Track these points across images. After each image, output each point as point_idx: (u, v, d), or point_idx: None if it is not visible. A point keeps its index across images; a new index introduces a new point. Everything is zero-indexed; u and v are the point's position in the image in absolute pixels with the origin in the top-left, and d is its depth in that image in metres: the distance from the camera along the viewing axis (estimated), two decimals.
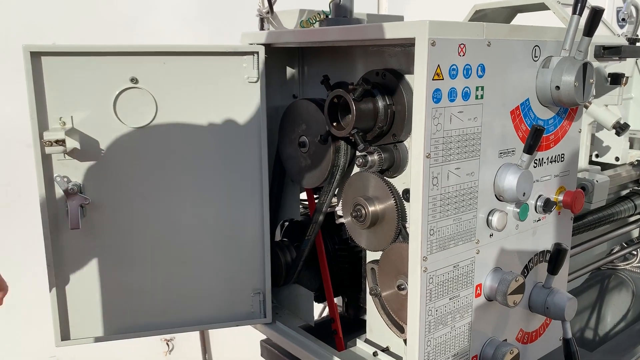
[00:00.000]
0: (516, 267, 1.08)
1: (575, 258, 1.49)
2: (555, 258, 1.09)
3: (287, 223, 1.42)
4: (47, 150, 1.04)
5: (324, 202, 1.20)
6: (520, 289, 1.01)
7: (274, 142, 1.29)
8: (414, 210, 0.90)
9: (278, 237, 1.42)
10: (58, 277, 1.13)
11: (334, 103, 1.06)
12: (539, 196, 1.09)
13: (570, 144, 1.13)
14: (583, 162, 1.59)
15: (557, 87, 1.00)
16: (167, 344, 2.75)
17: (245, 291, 1.30)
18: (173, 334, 2.39)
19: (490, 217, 0.99)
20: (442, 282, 0.94)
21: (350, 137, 1.03)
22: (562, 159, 1.12)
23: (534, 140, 0.96)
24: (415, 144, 0.87)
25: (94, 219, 1.14)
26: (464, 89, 0.90)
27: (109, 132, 1.12)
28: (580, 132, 1.15)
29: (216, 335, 2.78)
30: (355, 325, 1.35)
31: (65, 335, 1.17)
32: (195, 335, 2.81)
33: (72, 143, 1.07)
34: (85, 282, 1.16)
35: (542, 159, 1.08)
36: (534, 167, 1.06)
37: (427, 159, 0.87)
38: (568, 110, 1.10)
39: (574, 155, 1.15)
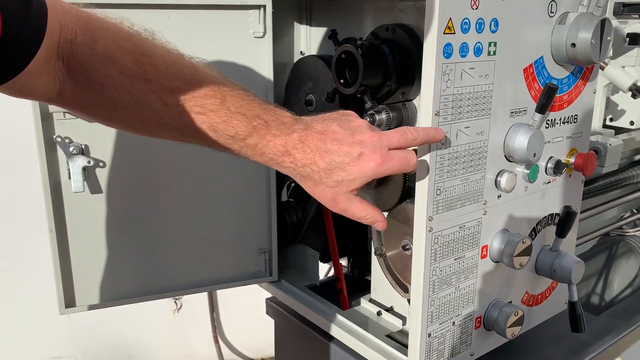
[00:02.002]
0: (524, 229, 1.07)
1: (585, 223, 1.47)
2: (564, 221, 1.07)
3: (293, 184, 1.41)
4: (51, 107, 1.03)
5: None
6: (527, 251, 1.00)
7: (281, 100, 1.27)
8: (421, 170, 0.88)
9: (285, 198, 1.41)
10: (61, 244, 1.13)
11: (341, 59, 1.03)
12: (550, 158, 1.06)
13: (584, 105, 1.10)
14: (597, 124, 1.56)
15: (573, 45, 0.96)
16: (175, 302, 2.80)
17: (251, 250, 1.31)
18: None
19: (499, 178, 0.97)
20: (447, 243, 0.93)
21: (358, 95, 1.00)
22: (575, 120, 1.10)
23: (546, 100, 0.94)
24: (424, 101, 0.85)
25: (97, 181, 1.13)
26: (476, 44, 0.87)
27: None
28: (595, 93, 1.12)
29: (224, 293, 2.82)
30: (360, 285, 1.36)
31: (69, 302, 1.17)
32: (203, 294, 2.85)
33: None
34: (90, 246, 1.16)
35: (555, 119, 1.05)
36: (546, 127, 1.03)
37: (436, 116, 0.85)
38: (583, 69, 1.07)
39: (587, 116, 1.12)
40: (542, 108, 0.94)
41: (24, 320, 2.38)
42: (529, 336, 1.18)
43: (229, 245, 1.28)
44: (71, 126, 1.09)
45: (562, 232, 1.08)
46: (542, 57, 0.98)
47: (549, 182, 1.09)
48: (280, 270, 1.36)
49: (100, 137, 1.12)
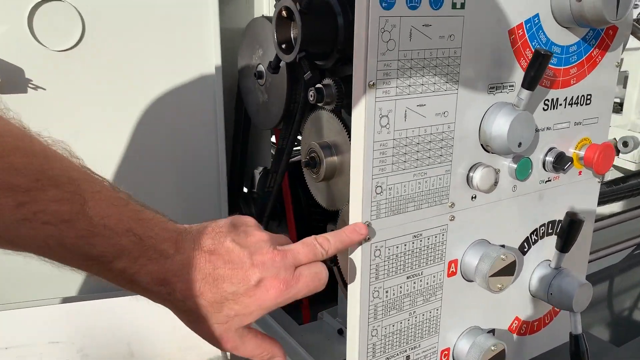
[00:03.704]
0: (511, 239, 0.83)
1: (612, 230, 1.21)
2: (566, 232, 0.83)
3: (261, 173, 1.22)
4: None
5: (284, 148, 0.98)
6: (508, 270, 0.77)
7: (234, 76, 1.08)
8: (353, 160, 0.66)
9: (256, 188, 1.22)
10: None
11: (282, 18, 0.82)
12: (550, 149, 0.82)
13: (601, 82, 0.85)
14: (634, 113, 1.28)
15: None
16: None
17: None
18: None
19: (471, 174, 0.74)
20: (395, 256, 0.71)
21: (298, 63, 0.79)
22: (589, 102, 0.85)
23: (536, 71, 0.70)
24: (356, 68, 0.63)
25: None
26: None
27: (27, 56, 0.93)
28: (618, 66, 0.87)
29: None
30: (329, 294, 1.16)
31: None
32: None
33: None
34: None
35: (557, 99, 0.81)
36: (544, 109, 0.79)
37: (370, 89, 0.63)
38: (601, 34, 0.82)
39: (606, 97, 0.87)
40: (530, 82, 0.70)
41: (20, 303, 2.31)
42: None
43: None
44: None
45: (563, 245, 0.84)
46: (537, 16, 0.74)
47: (549, 180, 0.85)
48: None
49: (17, 109, 0.95)
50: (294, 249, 0.61)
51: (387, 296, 0.73)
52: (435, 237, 0.75)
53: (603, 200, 1.12)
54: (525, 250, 0.86)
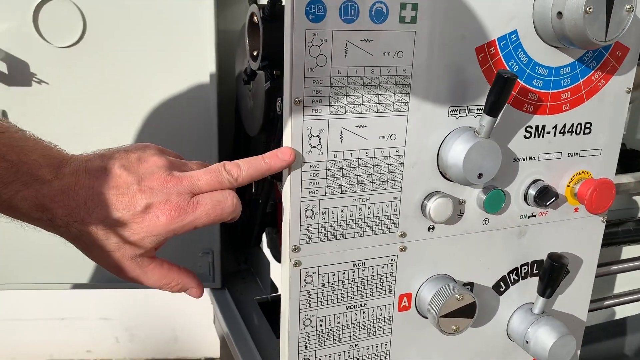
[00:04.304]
0: (483, 277, 0.76)
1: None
2: (547, 275, 0.74)
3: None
4: None
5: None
6: (467, 311, 0.70)
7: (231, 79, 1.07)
8: (284, 181, 0.63)
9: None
10: None
11: (254, 24, 0.79)
12: (534, 181, 0.73)
13: (605, 108, 0.74)
14: None
15: (560, 14, 0.63)
16: None
17: (194, 249, 1.13)
18: None
19: (426, 202, 0.68)
20: (330, 284, 0.67)
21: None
22: (588, 131, 0.75)
23: (497, 96, 0.62)
24: (285, 84, 0.59)
25: None
26: (373, 4, 0.58)
27: (31, 51, 0.98)
28: (629, 92, 0.76)
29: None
30: None
31: None
32: None
33: None
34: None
35: (544, 126, 0.72)
36: (526, 137, 0.71)
37: (296, 106, 0.59)
38: (604, 55, 0.72)
39: (613, 126, 0.76)
40: (491, 107, 0.63)
41: None
42: None
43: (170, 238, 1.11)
44: None
45: (544, 290, 0.75)
46: (515, 32, 0.66)
47: (533, 215, 0.76)
48: (231, 277, 1.17)
49: (22, 103, 1.01)
50: (194, 176, 0.58)
51: (321, 325, 0.68)
52: (382, 267, 0.69)
53: (621, 241, 0.99)
54: (502, 290, 0.78)
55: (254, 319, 1.07)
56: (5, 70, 0.97)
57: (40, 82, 0.99)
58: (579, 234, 0.80)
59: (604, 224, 0.82)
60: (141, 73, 1.00)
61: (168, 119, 1.02)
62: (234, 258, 1.23)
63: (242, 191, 1.10)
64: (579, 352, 0.88)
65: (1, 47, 0.96)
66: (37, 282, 1.12)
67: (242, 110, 1.01)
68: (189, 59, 1.00)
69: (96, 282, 1.13)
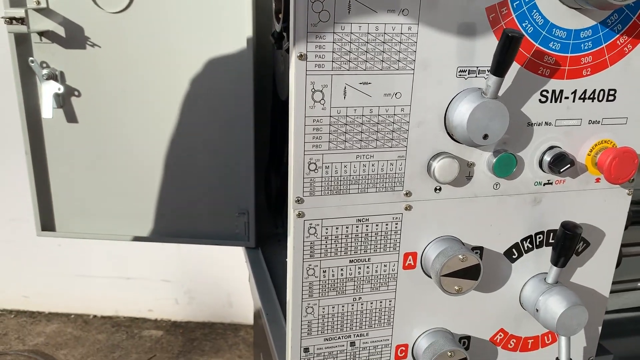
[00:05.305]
0: (494, 243, 0.76)
1: None
2: (560, 244, 0.73)
3: None
4: (9, 28, 1.02)
5: None
6: (469, 273, 0.70)
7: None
8: (290, 134, 0.65)
9: None
10: (37, 166, 1.14)
11: None
12: (550, 147, 0.72)
13: (632, 75, 0.72)
14: None
15: None
16: None
17: (231, 211, 1.18)
18: None
19: (432, 162, 0.69)
20: (334, 237, 0.69)
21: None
22: (612, 98, 0.72)
23: (503, 55, 0.61)
24: (291, 39, 0.62)
25: (73, 110, 1.11)
26: None
27: (85, 16, 1.05)
28: None
29: None
30: None
31: (47, 226, 1.19)
32: None
33: (43, 24, 1.04)
34: (69, 176, 1.16)
35: (562, 91, 0.70)
36: (542, 101, 0.70)
37: (300, 60, 0.61)
38: (631, 17, 0.69)
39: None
40: (497, 67, 0.62)
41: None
42: None
43: (209, 200, 1.18)
44: (48, 50, 1.08)
45: (557, 259, 0.74)
46: None
47: (549, 182, 0.74)
48: (267, 239, 1.22)
49: (76, 65, 1.09)
50: None
51: (324, 276, 0.71)
52: (387, 224, 0.71)
53: None
54: (515, 257, 0.77)
55: (283, 279, 1.11)
56: (62, 34, 1.05)
57: (93, 45, 1.06)
58: (601, 206, 0.78)
59: (630, 197, 0.79)
60: (184, 36, 1.05)
61: (208, 80, 1.07)
62: (272, 221, 1.28)
63: (278, 156, 1.14)
64: (599, 328, 0.86)
65: (59, 12, 1.04)
66: (99, 233, 1.21)
67: (276, 74, 1.05)
68: (229, 23, 1.04)
69: (154, 236, 1.20)
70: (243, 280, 2.74)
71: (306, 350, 0.74)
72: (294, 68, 0.61)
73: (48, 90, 1.08)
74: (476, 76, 0.66)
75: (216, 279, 2.73)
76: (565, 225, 0.72)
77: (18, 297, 2.74)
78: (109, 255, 2.63)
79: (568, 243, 0.72)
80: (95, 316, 2.73)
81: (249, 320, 2.74)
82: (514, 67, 0.67)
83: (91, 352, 2.46)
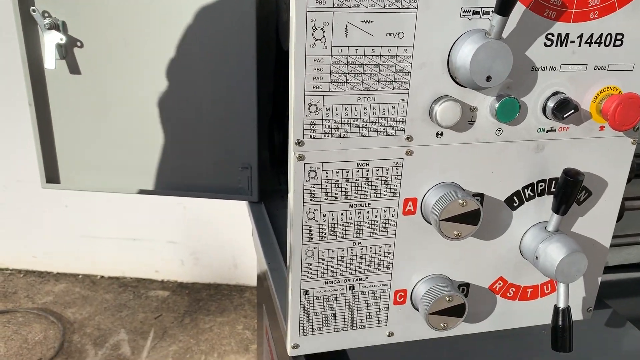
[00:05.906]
0: (495, 189, 0.75)
1: None
2: (561, 191, 0.73)
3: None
4: None
5: None
6: (468, 218, 0.70)
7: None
8: (290, 75, 0.65)
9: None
10: (41, 118, 1.14)
11: None
12: (554, 93, 0.71)
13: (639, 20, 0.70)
14: None
15: None
16: None
17: (235, 164, 1.18)
18: None
19: (434, 106, 0.68)
20: (334, 181, 0.69)
21: None
22: (619, 43, 0.71)
23: None
24: None
25: (76, 61, 1.11)
26: None
27: None
28: None
29: None
30: None
31: (52, 178, 1.19)
32: None
33: None
34: (73, 128, 1.16)
35: (568, 35, 0.69)
36: (547, 44, 0.69)
37: None
38: None
39: None
40: (502, 5, 0.61)
41: (148, 202, 2.63)
42: (516, 334, 0.88)
43: (212, 153, 1.18)
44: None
45: (559, 206, 0.74)
46: None
47: (552, 129, 0.74)
48: (271, 194, 1.23)
49: (78, 15, 1.08)
50: None
51: (324, 220, 0.71)
52: (387, 169, 0.71)
53: None
54: (516, 205, 0.77)
55: (286, 232, 1.12)
56: None
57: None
58: (604, 155, 0.77)
59: (634, 146, 0.78)
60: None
61: (211, 31, 1.06)
62: (275, 178, 1.28)
63: (280, 110, 1.14)
64: (599, 279, 0.86)
65: None
66: (103, 187, 1.21)
67: (279, 23, 1.04)
68: None
69: (158, 189, 1.20)
70: (248, 243, 2.77)
71: (306, 292, 0.75)
72: (294, 4, 0.61)
73: (50, 41, 1.07)
74: (480, 17, 0.65)
75: (222, 241, 2.75)
76: (568, 172, 0.71)
77: (27, 257, 2.79)
78: (115, 217, 2.65)
79: (570, 190, 0.72)
80: (102, 277, 2.77)
81: (254, 282, 2.77)
82: (519, 9, 0.66)
83: (99, 310, 2.50)
